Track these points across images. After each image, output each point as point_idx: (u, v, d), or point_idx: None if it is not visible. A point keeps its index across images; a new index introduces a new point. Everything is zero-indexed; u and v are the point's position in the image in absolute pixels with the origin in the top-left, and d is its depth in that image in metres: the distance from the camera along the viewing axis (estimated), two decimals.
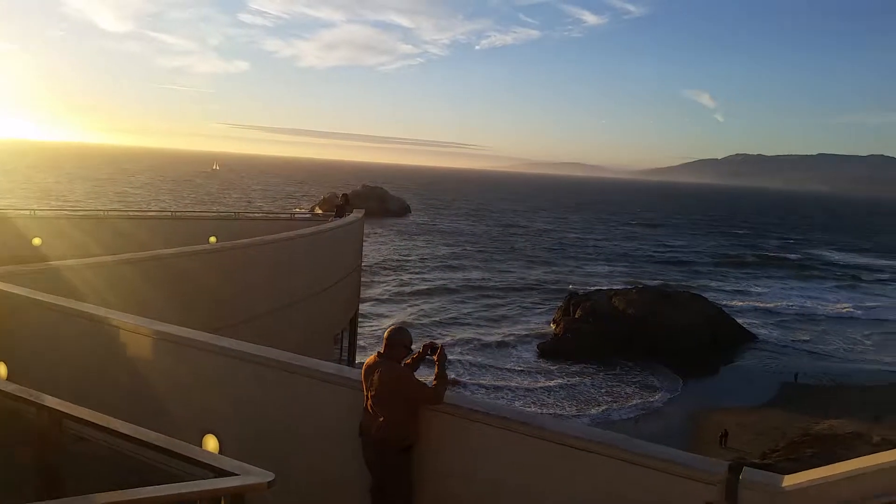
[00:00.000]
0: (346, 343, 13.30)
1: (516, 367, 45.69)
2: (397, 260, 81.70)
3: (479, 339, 50.86)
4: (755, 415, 39.25)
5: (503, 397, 39.15)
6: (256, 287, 9.12)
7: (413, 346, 4.85)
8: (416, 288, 65.91)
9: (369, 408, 4.48)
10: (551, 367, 46.33)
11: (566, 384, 43.46)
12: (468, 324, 54.89)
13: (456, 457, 4.20)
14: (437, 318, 55.12)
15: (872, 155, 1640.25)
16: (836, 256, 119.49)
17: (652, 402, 41.60)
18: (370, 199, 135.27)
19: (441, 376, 4.55)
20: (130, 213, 20.15)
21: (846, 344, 57.59)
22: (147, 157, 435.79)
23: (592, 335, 50.41)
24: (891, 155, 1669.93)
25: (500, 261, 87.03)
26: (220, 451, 4.88)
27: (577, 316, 54.02)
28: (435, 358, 4.69)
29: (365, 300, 57.55)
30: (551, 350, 49.57)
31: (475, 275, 75.16)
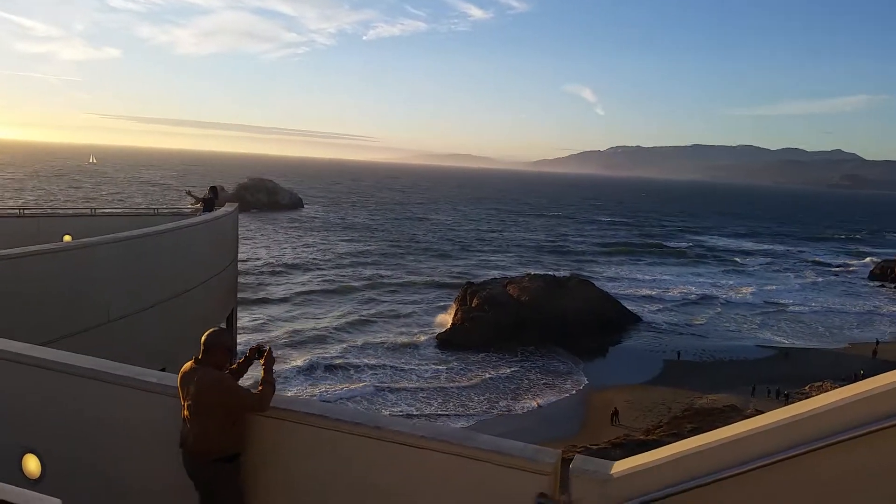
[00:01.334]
0: None
1: (418, 364, 45.29)
2: (293, 257, 79.72)
3: (380, 339, 50.02)
4: (642, 392, 41.44)
5: (405, 398, 38.91)
6: (111, 288, 8.61)
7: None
8: (314, 287, 64.22)
9: (186, 418, 4.24)
10: (450, 359, 46.62)
11: (465, 376, 43.94)
12: (368, 322, 54.07)
13: (289, 462, 4.07)
14: (339, 319, 54.02)
15: (742, 145, 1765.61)
16: (720, 242, 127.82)
17: (545, 384, 42.93)
18: (259, 191, 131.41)
19: (267, 381, 4.29)
20: None
21: (725, 323, 61.79)
22: (12, 150, 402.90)
23: (489, 323, 51.42)
24: (758, 145, 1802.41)
25: (399, 255, 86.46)
26: (42, 470, 4.64)
27: (473, 305, 54.90)
28: (261, 362, 4.43)
29: (259, 301, 56.00)
30: (450, 341, 50.16)
31: (375, 271, 74.33)
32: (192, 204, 14.99)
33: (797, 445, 2.90)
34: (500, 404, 39.30)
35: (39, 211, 18.26)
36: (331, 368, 42.46)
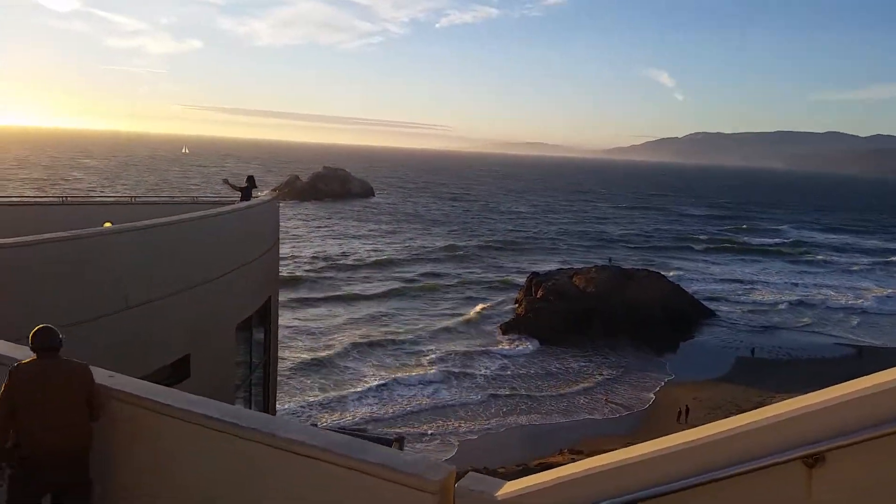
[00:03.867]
0: (259, 335, 13.21)
1: (483, 353, 45.21)
2: (355, 248, 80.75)
3: (443, 326, 50.54)
4: (711, 389, 40.17)
5: (470, 384, 39.13)
6: (129, 275, 8.83)
7: None
8: (377, 277, 64.97)
9: (43, 415, 3.99)
10: (515, 348, 46.48)
11: (529, 363, 43.76)
12: (432, 313, 54.29)
13: (145, 457, 3.83)
14: (400, 309, 54.62)
15: (829, 132, 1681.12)
16: (802, 234, 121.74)
17: (612, 379, 42.20)
18: (332, 181, 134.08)
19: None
20: (13, 201, 19.29)
21: (803, 320, 59.02)
22: (108, 142, 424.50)
23: (554, 314, 50.91)
24: (845, 132, 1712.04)
25: (466, 247, 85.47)
26: None
27: (538, 296, 54.46)
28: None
29: (335, 291, 56.85)
30: (513, 329, 49.96)
31: (440, 263, 73.64)
32: (240, 186, 15.32)
33: (712, 470, 2.72)
34: (562, 396, 38.91)
35: (82, 199, 19.07)
36: (395, 354, 43.11)
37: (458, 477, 3.23)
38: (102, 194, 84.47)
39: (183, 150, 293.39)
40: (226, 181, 16.01)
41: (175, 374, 9.94)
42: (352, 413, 33.77)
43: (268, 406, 13.99)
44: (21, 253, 7.59)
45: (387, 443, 23.18)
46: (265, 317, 13.28)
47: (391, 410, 34.82)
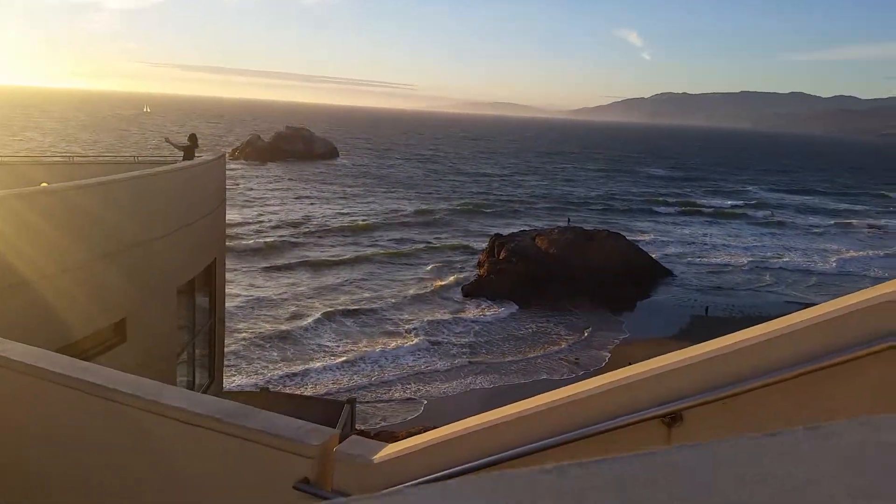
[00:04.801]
0: (204, 298, 13.16)
1: (443, 316, 45.39)
2: (327, 211, 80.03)
3: (410, 292, 50.46)
4: (664, 346, 40.17)
5: (438, 351, 39.11)
6: (66, 237, 8.75)
7: None
8: (337, 241, 64.37)
9: None
10: (478, 311, 46.93)
11: (493, 325, 44.22)
12: (396, 279, 53.82)
13: (33, 426, 3.80)
14: (364, 274, 54.31)
15: (793, 92, 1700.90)
16: (766, 195, 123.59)
17: (569, 339, 42.95)
18: (295, 141, 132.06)
19: None
20: None
21: (764, 280, 60.40)
22: (66, 99, 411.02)
23: (516, 275, 51.39)
24: (810, 93, 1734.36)
25: (441, 210, 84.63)
26: None
27: (501, 257, 54.84)
28: None
29: (263, 253, 56.06)
30: (475, 291, 50.38)
31: (404, 229, 72.31)
32: (182, 145, 15.03)
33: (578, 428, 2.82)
34: (522, 359, 39.56)
35: (20, 159, 18.61)
36: (362, 323, 42.58)
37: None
38: (44, 155, 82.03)
39: (144, 109, 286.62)
40: (167, 139, 15.74)
41: (112, 337, 9.90)
42: (314, 384, 33.53)
43: (213, 370, 13.99)
44: None
45: (339, 405, 23.32)
46: (209, 280, 13.20)
47: (358, 381, 34.62)
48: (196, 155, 14.86)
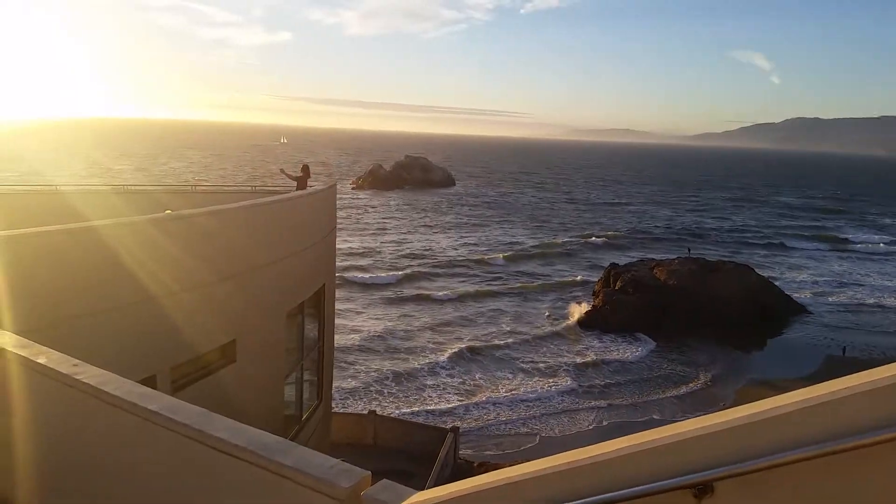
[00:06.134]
0: (310, 324, 13.35)
1: (562, 351, 43.95)
2: (446, 241, 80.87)
3: (525, 327, 49.67)
4: (795, 388, 38.02)
5: (561, 385, 38.10)
6: (175, 261, 9.11)
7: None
8: (451, 271, 64.26)
9: None
10: (592, 342, 45.59)
11: (615, 363, 42.59)
12: (510, 310, 53.34)
13: (99, 450, 3.92)
14: (476, 305, 53.88)
15: None
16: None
17: (695, 376, 40.83)
18: (413, 169, 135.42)
19: None
20: (81, 188, 20.29)
21: None
22: (203, 132, 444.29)
23: (633, 306, 49.65)
24: None
25: (552, 239, 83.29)
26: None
27: (616, 287, 53.21)
28: None
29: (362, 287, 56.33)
30: (590, 322, 49.06)
31: (519, 260, 70.91)
32: (296, 176, 15.58)
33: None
34: (641, 393, 37.98)
35: (156, 187, 19.81)
36: (481, 361, 41.09)
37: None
38: (167, 184, 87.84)
39: (281, 140, 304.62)
40: (282, 170, 16.38)
41: (223, 356, 10.18)
42: (423, 412, 32.94)
43: (321, 395, 14.17)
44: (78, 236, 7.91)
45: (443, 433, 23.04)
46: (318, 304, 13.43)
47: (475, 412, 33.92)
48: (309, 185, 15.32)
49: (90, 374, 3.81)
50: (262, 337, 10.89)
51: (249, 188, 17.98)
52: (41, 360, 4.06)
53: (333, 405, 20.83)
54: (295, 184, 15.39)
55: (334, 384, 18.88)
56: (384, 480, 3.11)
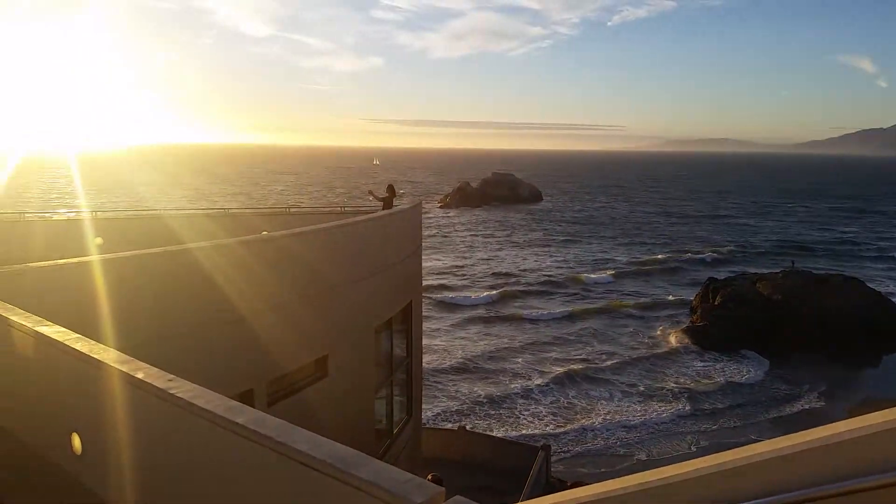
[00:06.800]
0: (396, 339, 13.42)
1: (664, 370, 42.54)
2: (534, 259, 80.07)
3: (622, 348, 48.20)
4: None
5: (657, 407, 36.92)
6: (273, 280, 9.39)
7: None
8: (567, 292, 62.58)
9: None
10: (694, 362, 43.88)
11: (716, 382, 40.90)
12: (626, 336, 51.30)
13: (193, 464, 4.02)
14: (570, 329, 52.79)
15: None
16: None
17: (805, 395, 38.62)
18: (501, 186, 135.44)
19: None
20: (181, 212, 21.20)
21: None
22: (300, 155, 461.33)
23: (733, 322, 47.52)
24: None
25: (644, 256, 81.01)
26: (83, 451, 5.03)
27: (716, 303, 51.10)
28: None
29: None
30: (690, 340, 47.29)
31: (612, 280, 68.03)
32: (381, 196, 15.87)
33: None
34: (747, 415, 36.17)
35: (241, 210, 20.57)
36: (591, 380, 40.07)
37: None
38: (264, 206, 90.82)
39: (374, 162, 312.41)
40: (370, 192, 16.73)
41: (315, 372, 10.40)
42: (515, 432, 32.43)
43: (412, 409, 14.24)
44: (180, 257, 8.33)
45: (534, 451, 22.64)
46: (406, 320, 13.55)
47: (573, 434, 33.18)
48: (395, 204, 15.58)
49: (183, 388, 3.95)
50: (353, 352, 11.08)
51: (339, 209, 18.53)
52: (139, 375, 4.24)
53: (426, 424, 20.91)
54: (381, 204, 15.69)
55: (426, 405, 18.97)
56: (457, 497, 3.04)
